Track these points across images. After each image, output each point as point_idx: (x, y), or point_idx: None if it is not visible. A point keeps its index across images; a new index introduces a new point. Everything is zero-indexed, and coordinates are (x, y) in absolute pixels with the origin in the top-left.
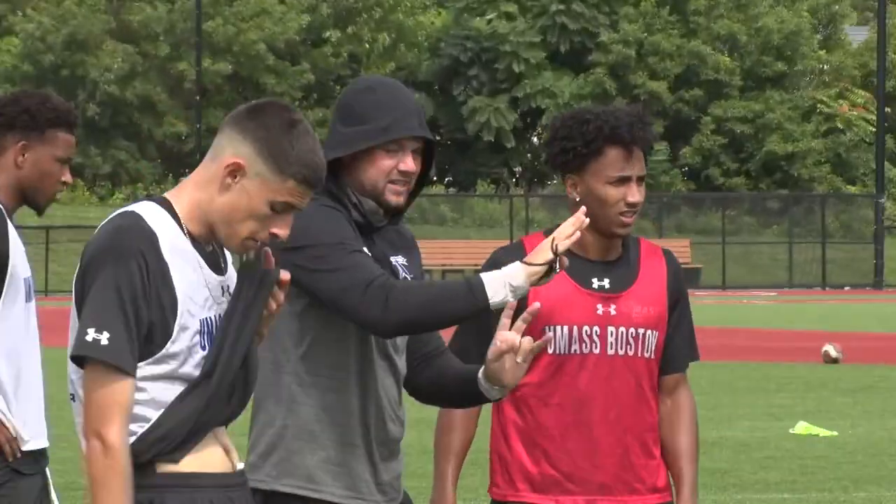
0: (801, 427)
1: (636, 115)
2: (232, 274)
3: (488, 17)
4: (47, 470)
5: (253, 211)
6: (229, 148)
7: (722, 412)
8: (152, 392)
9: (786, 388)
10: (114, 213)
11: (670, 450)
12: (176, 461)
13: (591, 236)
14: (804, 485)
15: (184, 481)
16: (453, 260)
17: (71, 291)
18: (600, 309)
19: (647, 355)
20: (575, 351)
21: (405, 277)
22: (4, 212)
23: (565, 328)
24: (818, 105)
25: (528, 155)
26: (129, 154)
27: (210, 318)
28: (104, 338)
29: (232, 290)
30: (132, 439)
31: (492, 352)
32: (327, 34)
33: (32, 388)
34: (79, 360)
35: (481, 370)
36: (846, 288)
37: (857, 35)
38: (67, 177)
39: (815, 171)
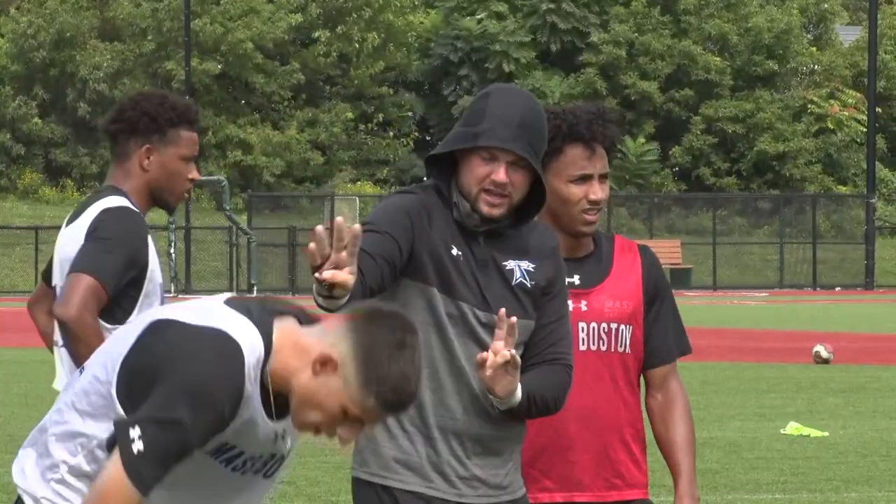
0: (792, 427)
1: (596, 112)
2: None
3: (478, 16)
4: None
5: (326, 408)
6: (332, 338)
7: (712, 412)
8: None
9: (776, 389)
10: (221, 321)
11: (665, 442)
12: None
13: (559, 235)
14: (795, 485)
15: None
16: None
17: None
18: (570, 305)
19: (621, 350)
20: None
21: (521, 282)
22: (142, 217)
23: None
24: (809, 105)
25: None
26: None
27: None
28: None
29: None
30: None
31: (476, 364)
32: (317, 34)
33: None
34: None
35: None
36: (837, 289)
37: (849, 35)
38: (194, 174)
39: (806, 171)
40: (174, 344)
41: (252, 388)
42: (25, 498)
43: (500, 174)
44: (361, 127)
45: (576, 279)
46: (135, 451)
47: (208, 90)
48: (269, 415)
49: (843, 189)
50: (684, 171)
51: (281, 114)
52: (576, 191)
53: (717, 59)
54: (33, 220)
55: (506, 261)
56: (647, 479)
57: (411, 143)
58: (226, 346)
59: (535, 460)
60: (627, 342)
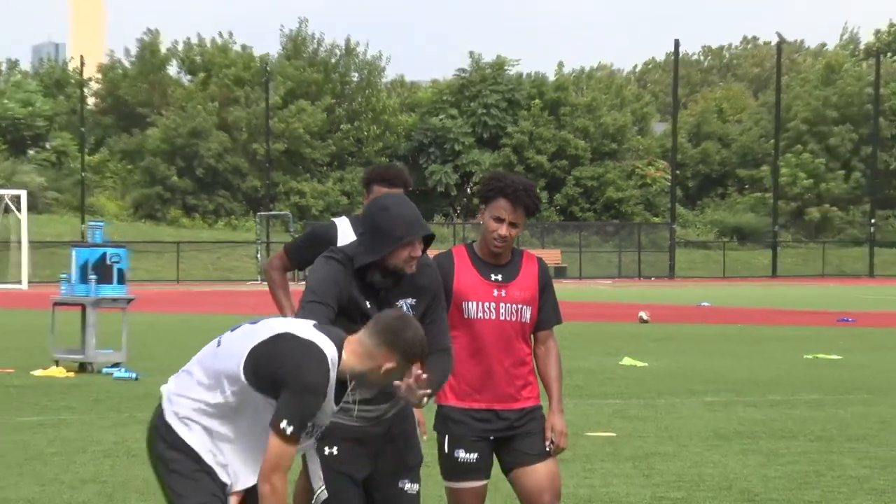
0: (626, 360)
1: (522, 184)
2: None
3: (440, 117)
4: None
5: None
6: (385, 350)
7: (577, 352)
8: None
9: (616, 338)
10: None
11: (544, 377)
12: None
13: (486, 251)
14: (628, 394)
15: None
16: None
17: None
18: (496, 292)
19: (523, 320)
20: (480, 317)
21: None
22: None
23: (474, 303)
24: (636, 169)
25: (465, 199)
26: (225, 198)
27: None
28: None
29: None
30: None
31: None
32: (343, 126)
33: None
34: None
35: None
36: (653, 278)
37: (659, 127)
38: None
39: (635, 209)
40: (291, 350)
41: (331, 381)
42: (165, 410)
43: (417, 250)
44: None
45: (499, 276)
46: (288, 433)
47: (279, 161)
48: (336, 400)
49: (656, 219)
50: (563, 209)
51: (322, 174)
52: (494, 225)
53: (582, 142)
54: (175, 237)
55: (397, 300)
56: (537, 393)
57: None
58: (320, 354)
59: (471, 382)
60: (528, 316)
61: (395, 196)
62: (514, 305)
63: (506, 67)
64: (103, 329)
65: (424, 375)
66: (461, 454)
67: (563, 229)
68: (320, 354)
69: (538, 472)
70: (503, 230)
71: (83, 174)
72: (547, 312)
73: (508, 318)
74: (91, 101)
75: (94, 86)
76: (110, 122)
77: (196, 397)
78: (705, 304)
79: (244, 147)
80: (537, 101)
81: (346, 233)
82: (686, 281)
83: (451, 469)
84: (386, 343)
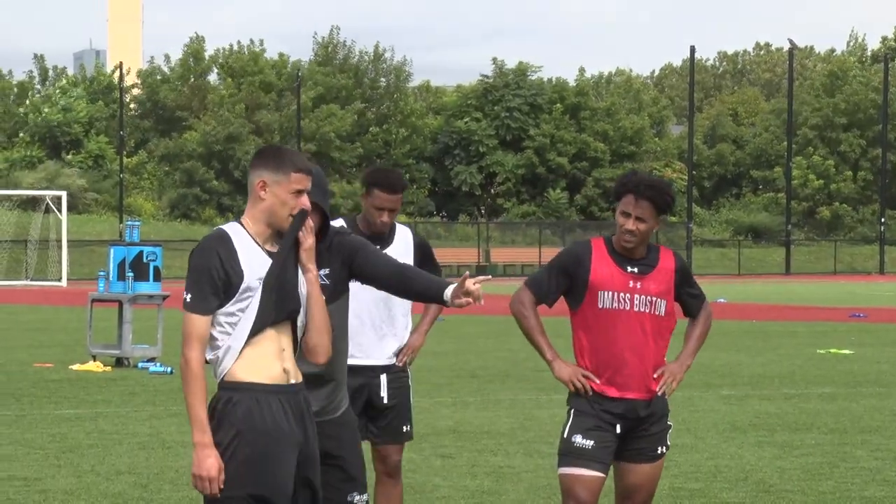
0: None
1: (648, 180)
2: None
3: (465, 120)
4: None
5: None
6: (257, 175)
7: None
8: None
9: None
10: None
11: (686, 333)
12: (240, 373)
13: (621, 246)
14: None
15: (246, 387)
16: (445, 261)
17: None
18: (631, 283)
19: (657, 313)
20: (615, 307)
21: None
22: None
23: (609, 293)
24: (654, 170)
25: (488, 199)
26: None
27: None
28: (188, 297)
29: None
30: (210, 355)
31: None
32: (371, 128)
33: None
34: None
35: (450, 293)
36: None
37: (676, 130)
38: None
39: None
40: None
41: (230, 242)
42: None
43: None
44: None
45: (636, 269)
46: (187, 300)
47: (309, 161)
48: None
49: (673, 219)
50: (584, 209)
51: (351, 174)
52: (621, 220)
53: (602, 145)
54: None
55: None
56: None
57: (426, 191)
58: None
59: (605, 374)
60: (662, 308)
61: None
62: (648, 297)
63: (528, 73)
64: (139, 325)
65: (474, 282)
66: (578, 439)
67: (584, 228)
68: (213, 232)
69: (643, 472)
70: (630, 224)
71: (121, 175)
72: (690, 301)
73: (643, 310)
74: (132, 106)
75: (135, 91)
76: (149, 125)
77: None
78: (721, 300)
79: None
80: (558, 105)
81: None
82: (702, 278)
83: (567, 454)
84: (253, 170)
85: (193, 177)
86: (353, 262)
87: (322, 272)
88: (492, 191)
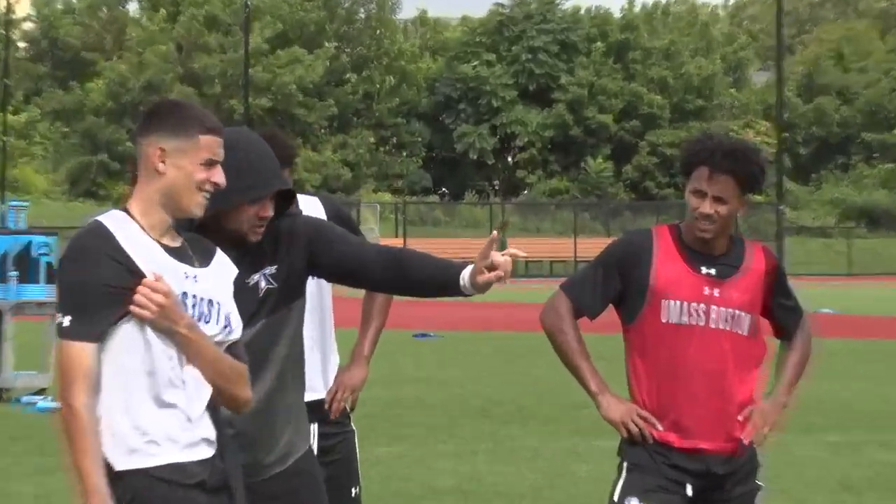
0: None
1: (727, 145)
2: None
3: (473, 63)
4: None
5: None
6: (146, 145)
7: None
8: None
9: None
10: None
11: (780, 362)
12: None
13: (693, 237)
14: None
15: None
16: (446, 254)
17: None
18: (707, 290)
19: (739, 331)
20: (685, 321)
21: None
22: None
23: (677, 303)
24: (729, 133)
25: (505, 171)
26: None
27: None
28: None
29: None
30: None
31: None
32: (347, 76)
33: None
34: None
35: (468, 276)
36: None
37: (760, 77)
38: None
39: None
40: None
41: (113, 240)
42: None
43: (268, 210)
44: (381, 148)
45: (713, 270)
46: (64, 324)
47: (262, 122)
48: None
49: (759, 198)
50: (634, 184)
51: (318, 139)
52: (694, 202)
53: (658, 97)
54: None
55: (249, 275)
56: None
57: (420, 160)
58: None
59: (669, 416)
60: (746, 326)
61: (247, 133)
62: (728, 311)
63: (557, 1)
64: (23, 343)
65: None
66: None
67: (635, 211)
68: (87, 228)
69: None
70: (706, 207)
71: (4, 140)
72: (785, 317)
73: (721, 327)
74: (20, 45)
75: (26, 26)
76: (44, 71)
77: None
78: (825, 310)
79: (217, 105)
80: (599, 43)
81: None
82: (799, 279)
83: None
84: (145, 134)
85: (98, 139)
86: (311, 251)
87: (266, 272)
88: (509, 159)
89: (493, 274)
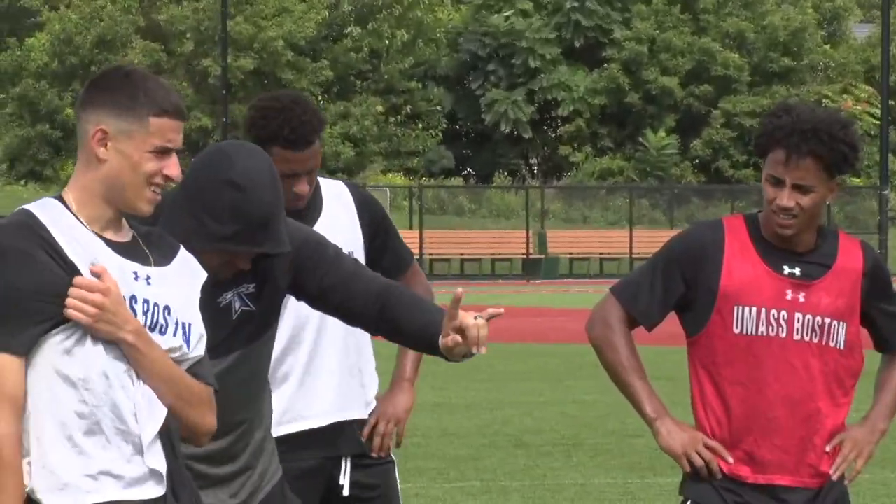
0: None
1: (811, 120)
2: None
3: (505, 13)
4: None
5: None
6: (88, 122)
7: None
8: None
9: None
10: None
11: (878, 381)
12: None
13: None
14: None
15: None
16: (471, 249)
17: None
18: (790, 294)
19: (830, 343)
20: (762, 332)
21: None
22: None
23: (753, 309)
24: (823, 100)
25: (545, 147)
26: None
27: None
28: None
29: None
30: None
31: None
32: (348, 30)
33: None
34: None
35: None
36: None
37: (862, 31)
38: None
39: None
40: None
41: (40, 234)
42: None
43: (245, 265)
44: (391, 119)
45: (797, 269)
46: None
47: (243, 86)
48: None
49: (856, 181)
50: (704, 163)
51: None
52: (770, 191)
53: (736, 55)
54: None
55: (223, 292)
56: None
57: (440, 134)
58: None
59: (741, 443)
60: (840, 337)
61: (267, 167)
62: (817, 318)
63: None
64: None
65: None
66: None
67: (705, 197)
68: (13, 218)
69: None
70: (784, 198)
71: None
72: (889, 326)
73: (806, 339)
74: None
75: None
76: None
77: None
78: None
79: (188, 65)
80: None
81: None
82: None
83: None
84: (87, 109)
85: (38, 107)
86: (296, 271)
87: (241, 290)
88: (551, 133)
89: (450, 338)
